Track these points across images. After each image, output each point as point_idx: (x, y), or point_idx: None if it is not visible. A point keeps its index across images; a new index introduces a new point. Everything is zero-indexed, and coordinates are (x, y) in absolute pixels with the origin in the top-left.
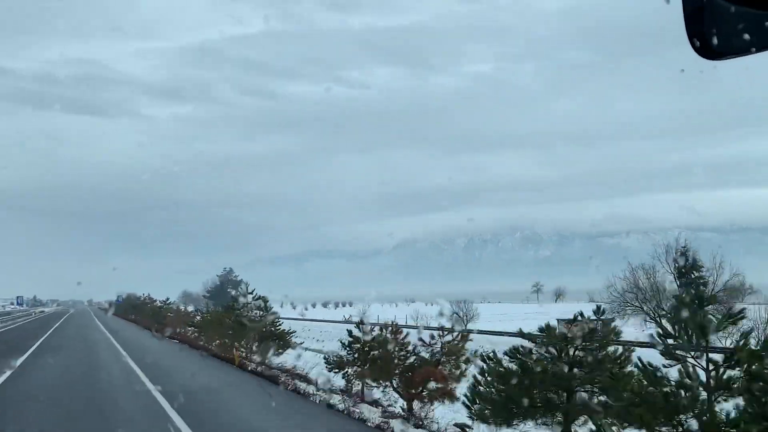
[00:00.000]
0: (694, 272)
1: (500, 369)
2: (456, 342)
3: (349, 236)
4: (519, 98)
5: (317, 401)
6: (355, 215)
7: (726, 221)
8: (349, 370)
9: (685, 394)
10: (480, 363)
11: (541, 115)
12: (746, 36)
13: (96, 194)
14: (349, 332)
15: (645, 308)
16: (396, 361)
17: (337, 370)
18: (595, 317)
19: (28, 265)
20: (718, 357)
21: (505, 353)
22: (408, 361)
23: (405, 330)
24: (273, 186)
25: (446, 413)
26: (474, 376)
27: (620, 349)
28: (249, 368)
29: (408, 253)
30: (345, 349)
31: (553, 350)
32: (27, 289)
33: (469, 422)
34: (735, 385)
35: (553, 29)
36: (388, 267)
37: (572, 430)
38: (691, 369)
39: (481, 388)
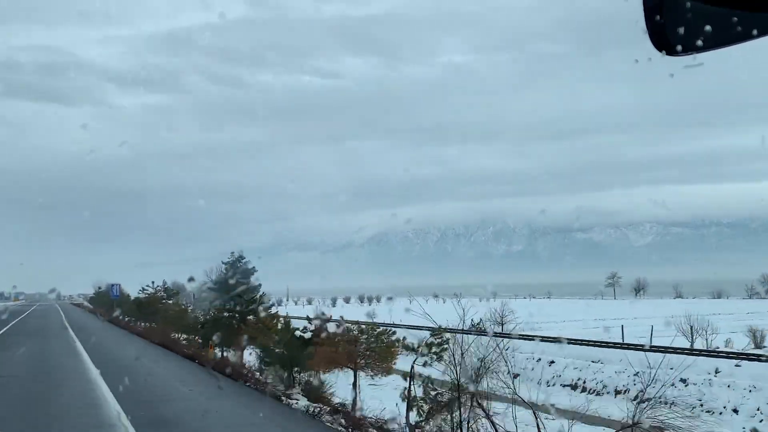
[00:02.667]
0: None
1: None
2: None
3: (320, 228)
4: (491, 89)
5: None
6: (326, 207)
7: (696, 216)
8: None
9: None
10: None
11: (513, 107)
12: (704, 33)
13: (61, 184)
14: None
15: None
16: None
17: None
18: None
19: None
20: None
21: None
22: None
23: None
24: (241, 177)
25: None
26: None
27: None
28: None
29: (380, 246)
30: None
31: None
32: None
33: None
34: None
35: (529, 19)
36: (361, 260)
37: None
38: None
39: None
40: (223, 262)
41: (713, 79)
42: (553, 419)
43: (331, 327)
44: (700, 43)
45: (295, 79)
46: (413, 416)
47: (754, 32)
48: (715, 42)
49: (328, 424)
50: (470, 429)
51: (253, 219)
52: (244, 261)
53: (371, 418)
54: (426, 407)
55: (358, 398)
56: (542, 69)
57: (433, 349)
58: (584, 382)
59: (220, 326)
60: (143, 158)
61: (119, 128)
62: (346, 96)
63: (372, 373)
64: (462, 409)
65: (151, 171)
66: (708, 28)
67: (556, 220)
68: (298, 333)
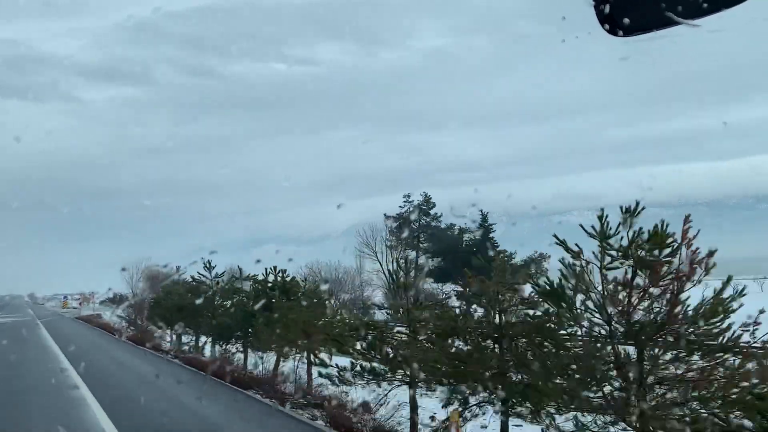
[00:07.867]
0: None
1: None
2: None
3: (296, 221)
4: (469, 74)
5: None
6: (302, 199)
7: (673, 196)
8: None
9: None
10: None
11: (490, 91)
12: (652, 12)
13: (26, 183)
14: None
15: None
16: None
17: None
18: None
19: None
20: None
21: None
22: None
23: None
24: (215, 170)
25: None
26: None
27: None
28: None
29: (357, 237)
30: None
31: None
32: None
33: None
34: None
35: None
36: (339, 251)
37: None
38: None
39: None
40: (389, 216)
41: (686, 58)
42: None
43: None
44: (645, 23)
45: (268, 67)
46: None
47: (705, 8)
48: (663, 22)
49: None
50: None
51: (226, 212)
52: (432, 205)
53: None
54: None
55: None
56: (519, 52)
57: None
58: None
59: None
60: (113, 154)
61: (88, 124)
62: (321, 84)
63: None
64: None
65: (120, 168)
66: (655, 7)
67: (532, 204)
68: None
